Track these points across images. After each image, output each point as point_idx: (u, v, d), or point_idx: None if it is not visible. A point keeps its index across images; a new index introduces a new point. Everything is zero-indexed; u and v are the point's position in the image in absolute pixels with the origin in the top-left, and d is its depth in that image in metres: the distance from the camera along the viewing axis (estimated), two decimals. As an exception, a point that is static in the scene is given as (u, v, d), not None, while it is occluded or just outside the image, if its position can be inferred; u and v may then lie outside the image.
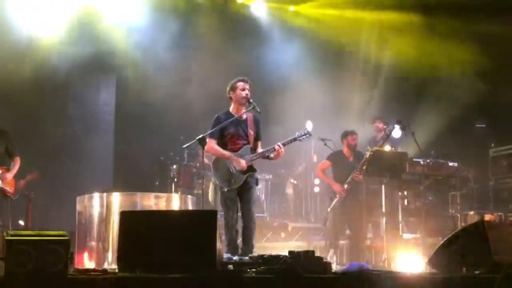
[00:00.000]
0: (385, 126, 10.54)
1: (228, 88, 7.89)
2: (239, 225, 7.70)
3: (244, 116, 7.85)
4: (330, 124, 11.26)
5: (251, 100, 7.72)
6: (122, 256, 5.10)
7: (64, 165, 11.08)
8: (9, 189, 8.72)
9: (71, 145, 11.49)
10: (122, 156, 12.11)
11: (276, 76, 12.44)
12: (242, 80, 7.83)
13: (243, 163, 7.62)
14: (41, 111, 11.04)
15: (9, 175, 8.76)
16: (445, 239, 6.21)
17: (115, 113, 12.47)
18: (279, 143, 7.69)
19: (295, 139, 7.87)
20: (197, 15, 12.35)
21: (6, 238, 4.51)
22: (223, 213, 7.71)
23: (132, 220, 5.34)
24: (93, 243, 7.73)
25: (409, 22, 12.26)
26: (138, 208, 7.75)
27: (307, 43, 12.80)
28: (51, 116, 11.27)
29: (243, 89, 7.76)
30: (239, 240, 7.69)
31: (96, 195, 7.90)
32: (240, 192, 7.69)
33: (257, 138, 7.91)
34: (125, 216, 5.40)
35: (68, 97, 11.87)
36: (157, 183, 11.72)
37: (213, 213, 5.38)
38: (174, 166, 11.38)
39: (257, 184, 7.94)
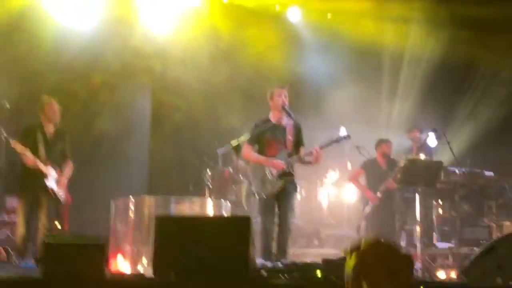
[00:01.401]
0: (421, 135, 10.49)
1: (268, 95, 7.92)
2: (274, 231, 7.70)
3: (284, 123, 7.86)
4: (363, 132, 11.21)
5: (286, 107, 7.74)
6: (156, 261, 5.15)
7: (100, 168, 11.19)
8: (62, 195, 8.61)
9: (107, 148, 11.60)
10: (157, 160, 12.18)
11: (310, 83, 12.43)
12: (281, 87, 7.86)
13: (278, 163, 7.62)
14: (77, 114, 11.14)
15: (63, 179, 8.66)
16: (480, 249, 6.17)
17: (151, 117, 12.55)
18: (316, 146, 7.68)
19: (335, 141, 7.88)
20: (235, 21, 12.38)
21: (45, 241, 4.58)
22: (259, 219, 7.74)
23: (167, 225, 5.40)
24: (128, 247, 7.79)
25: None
26: (172, 212, 7.80)
27: (342, 50, 12.75)
28: (88, 119, 11.37)
29: (280, 95, 7.79)
30: (274, 246, 7.70)
31: (131, 199, 7.97)
32: (278, 198, 7.70)
33: (298, 144, 7.90)
34: (160, 221, 5.46)
35: (105, 100, 11.96)
36: (191, 187, 11.76)
37: (247, 219, 5.42)
38: (208, 171, 11.41)
39: (296, 190, 7.92)
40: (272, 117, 7.91)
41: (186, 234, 5.23)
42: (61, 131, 8.88)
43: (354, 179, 10.53)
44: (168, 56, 11.72)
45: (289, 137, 7.85)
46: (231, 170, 11.16)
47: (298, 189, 11.24)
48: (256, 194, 7.90)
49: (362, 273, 1.19)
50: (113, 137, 11.58)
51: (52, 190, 8.49)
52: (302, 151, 7.86)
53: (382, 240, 1.20)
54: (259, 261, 6.51)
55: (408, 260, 1.25)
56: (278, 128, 7.86)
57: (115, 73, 11.73)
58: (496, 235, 9.90)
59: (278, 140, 7.82)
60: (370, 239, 1.18)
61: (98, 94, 11.69)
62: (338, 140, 7.90)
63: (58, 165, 8.74)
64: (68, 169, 8.83)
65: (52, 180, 8.54)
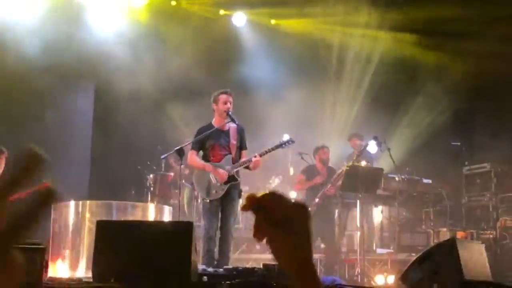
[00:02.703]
0: (362, 143, 10.67)
1: (211, 100, 7.95)
2: (217, 236, 7.73)
3: (227, 127, 7.91)
4: (306, 138, 11.33)
5: (230, 113, 7.78)
6: (97, 266, 5.10)
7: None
8: None
9: (47, 152, 11.35)
10: (98, 165, 12.06)
11: (253, 89, 12.48)
12: (225, 93, 7.90)
13: (222, 174, 7.67)
14: (17, 117, 10.94)
15: None
16: (418, 255, 6.30)
17: (93, 120, 12.40)
18: (256, 154, 7.77)
19: (278, 146, 7.97)
20: (179, 23, 12.34)
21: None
22: (203, 223, 7.75)
23: (107, 230, 5.36)
24: (68, 251, 7.70)
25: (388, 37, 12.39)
26: (114, 217, 7.74)
27: (285, 56, 12.86)
28: (27, 122, 11.17)
29: (225, 102, 7.83)
30: (216, 250, 7.72)
31: (71, 203, 7.88)
32: (222, 203, 7.72)
33: (241, 147, 7.96)
34: (101, 225, 5.41)
35: (44, 103, 11.77)
36: (133, 192, 11.69)
37: (189, 224, 5.42)
38: (151, 176, 11.36)
39: (239, 197, 7.97)
40: (215, 122, 7.94)
41: (128, 239, 5.20)
42: None
43: (298, 186, 10.69)
44: (112, 57, 11.57)
45: (233, 141, 7.89)
46: (173, 174, 11.16)
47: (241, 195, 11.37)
48: (199, 199, 7.91)
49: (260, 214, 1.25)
50: (54, 140, 11.39)
51: None
52: (244, 154, 7.94)
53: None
54: (201, 266, 6.51)
55: (302, 207, 1.30)
56: (222, 133, 7.90)
57: (57, 74, 11.55)
58: (433, 241, 10.13)
59: (221, 145, 7.85)
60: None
61: (39, 97, 11.49)
62: (280, 145, 7.98)
63: None
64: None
65: None
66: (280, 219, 1.25)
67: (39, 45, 10.84)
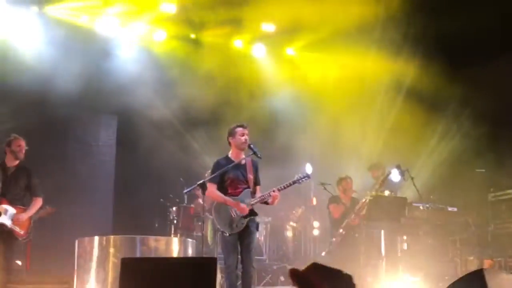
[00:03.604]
0: (381, 172, 10.60)
1: (227, 133, 7.97)
2: (239, 269, 7.70)
3: (243, 161, 7.92)
4: (329, 168, 11.31)
5: (251, 145, 7.79)
6: (122, 304, 5.08)
7: (63, 207, 11.02)
8: (19, 231, 8.43)
9: (71, 186, 11.45)
10: (122, 197, 12.09)
11: (274, 120, 12.51)
12: (241, 126, 7.91)
13: (244, 208, 7.65)
14: (40, 151, 11.01)
15: (24, 216, 8.48)
16: (445, 287, 6.20)
17: (116, 154, 12.46)
18: (274, 189, 7.75)
19: (295, 182, 7.94)
20: (198, 55, 12.44)
21: (8, 285, 4.51)
22: (223, 256, 7.72)
23: (132, 267, 5.34)
24: (92, 287, 7.69)
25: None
26: (138, 252, 7.74)
27: (307, 87, 12.88)
28: (51, 156, 11.24)
29: (242, 135, 7.84)
30: (239, 284, 7.69)
31: (96, 238, 7.88)
32: (240, 236, 7.70)
33: (256, 183, 7.97)
34: (125, 263, 5.39)
35: (68, 137, 11.86)
36: (156, 225, 11.70)
37: (213, 260, 5.37)
38: (174, 208, 11.35)
39: (257, 229, 7.96)
40: (232, 155, 7.96)
41: (152, 276, 5.18)
42: (23, 169, 8.76)
43: (336, 214, 10.57)
44: (134, 90, 11.66)
45: (250, 175, 7.91)
46: (196, 206, 11.16)
47: (264, 226, 11.35)
48: (219, 232, 7.89)
49: None
50: (77, 175, 11.46)
51: (5, 226, 8.35)
52: (258, 189, 7.93)
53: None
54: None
55: (349, 279, 1.28)
56: (239, 167, 7.91)
57: (80, 107, 11.65)
58: (461, 269, 10.00)
59: (240, 179, 7.85)
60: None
61: (63, 130, 11.58)
62: (297, 181, 7.96)
63: (22, 203, 8.61)
64: (34, 205, 8.67)
65: (7, 217, 8.40)
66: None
67: (63, 78, 10.96)
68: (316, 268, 1.20)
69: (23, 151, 8.75)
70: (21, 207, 8.58)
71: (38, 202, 8.74)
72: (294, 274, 1.19)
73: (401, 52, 12.11)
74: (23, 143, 8.76)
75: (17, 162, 8.73)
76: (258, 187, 7.98)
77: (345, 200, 10.31)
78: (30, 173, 8.78)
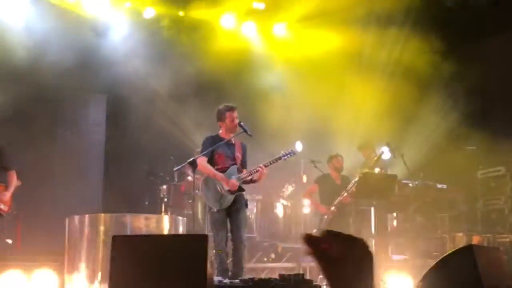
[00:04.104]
0: (372, 151, 10.61)
1: (216, 116, 7.99)
2: (229, 247, 7.73)
3: (233, 141, 7.99)
4: (320, 146, 11.31)
5: (242, 124, 7.81)
6: (113, 281, 5.09)
7: (53, 185, 11.02)
8: (3, 207, 8.37)
9: (61, 165, 11.42)
10: (111, 177, 12.07)
11: (265, 98, 12.47)
12: (230, 109, 7.93)
13: (234, 183, 7.69)
14: (30, 131, 10.97)
15: (7, 194, 8.39)
16: (434, 263, 6.24)
17: (105, 132, 12.41)
18: (261, 165, 7.81)
19: (280, 158, 8.02)
20: (188, 32, 12.37)
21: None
22: (212, 234, 7.75)
23: (123, 245, 5.34)
24: (83, 264, 7.70)
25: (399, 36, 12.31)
26: (128, 230, 7.73)
27: (295, 64, 12.83)
28: (41, 135, 11.20)
29: (232, 120, 7.88)
30: (229, 262, 7.72)
31: (86, 217, 7.87)
32: (229, 213, 7.74)
33: (243, 164, 8.04)
34: (116, 240, 5.40)
35: (57, 116, 11.80)
36: (146, 203, 11.69)
37: (204, 237, 5.39)
38: (164, 186, 11.35)
39: (246, 206, 8.01)
40: (222, 134, 8.01)
41: (143, 254, 5.19)
42: None
43: (307, 194, 10.66)
44: (123, 69, 11.58)
45: (238, 154, 8.01)
46: (186, 184, 11.15)
47: (254, 204, 11.37)
48: (207, 209, 7.95)
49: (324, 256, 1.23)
50: (67, 154, 11.41)
51: None
52: (245, 171, 7.97)
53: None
54: (216, 278, 6.50)
55: (364, 243, 1.30)
56: (228, 145, 7.98)
57: (68, 88, 11.59)
58: (449, 246, 10.08)
59: (228, 155, 7.94)
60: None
61: (51, 111, 11.52)
62: (282, 157, 8.03)
63: (1, 180, 8.51)
64: (11, 180, 8.50)
65: None
66: (340, 258, 1.23)
67: (50, 58, 10.88)
68: (331, 235, 1.21)
69: None
70: (2, 184, 8.49)
71: (13, 176, 8.54)
72: (309, 240, 1.20)
73: (392, 28, 12.08)
74: None
75: None
76: (244, 170, 8.02)
77: (335, 178, 10.31)
78: (1, 151, 8.54)
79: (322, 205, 10.08)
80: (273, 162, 7.98)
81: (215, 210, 7.74)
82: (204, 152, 7.87)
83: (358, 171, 10.01)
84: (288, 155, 8.09)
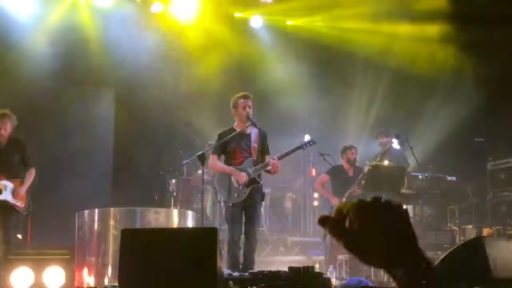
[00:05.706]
0: (388, 139, 10.52)
1: (231, 104, 7.93)
2: (241, 241, 7.71)
3: (248, 131, 7.89)
4: (329, 139, 11.26)
5: (250, 117, 7.76)
6: (123, 274, 5.10)
7: (62, 180, 11.02)
8: (20, 204, 8.36)
9: (70, 160, 11.43)
10: (121, 171, 12.08)
11: (274, 90, 12.45)
12: (244, 97, 7.86)
13: (243, 176, 7.64)
14: (39, 126, 10.98)
15: (23, 189, 8.39)
16: (444, 254, 6.22)
17: (114, 127, 12.42)
18: (275, 157, 7.75)
19: (299, 148, 7.94)
20: (191, 30, 12.38)
21: (8, 257, 4.52)
22: (226, 228, 7.74)
23: (133, 238, 5.35)
24: (93, 259, 7.73)
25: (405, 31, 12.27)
26: (138, 223, 7.77)
27: (306, 56, 12.82)
28: (50, 130, 11.21)
29: (244, 107, 7.80)
30: (241, 254, 7.70)
31: (96, 211, 7.90)
32: (245, 208, 7.70)
33: (263, 152, 7.94)
34: (126, 234, 5.40)
35: (66, 111, 11.81)
36: (156, 197, 11.71)
37: (214, 230, 5.39)
38: (173, 181, 11.37)
39: (263, 200, 7.94)
40: (237, 126, 7.94)
41: (153, 247, 5.19)
42: (15, 141, 8.62)
43: (319, 185, 10.57)
44: (131, 63, 11.61)
45: (254, 144, 7.87)
46: (195, 179, 11.16)
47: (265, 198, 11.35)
48: (222, 203, 7.89)
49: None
50: (76, 148, 11.41)
51: (6, 202, 8.33)
52: (267, 159, 7.89)
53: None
54: (226, 271, 6.49)
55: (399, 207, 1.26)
56: (243, 136, 7.88)
57: (77, 82, 11.61)
58: (459, 238, 10.05)
59: (243, 148, 7.83)
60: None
61: (60, 105, 11.54)
62: (300, 147, 7.97)
63: (18, 176, 8.52)
64: (29, 176, 8.56)
65: (7, 192, 8.35)
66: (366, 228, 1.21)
67: (58, 52, 10.92)
68: (359, 205, 1.18)
69: (8, 126, 8.59)
70: (18, 180, 8.49)
71: (32, 173, 8.62)
72: (325, 221, 1.18)
73: (397, 17, 12.06)
74: (8, 118, 8.60)
75: (6, 137, 8.60)
76: (267, 157, 7.93)
77: (348, 170, 10.19)
78: (23, 145, 8.66)
79: (334, 197, 10.01)
80: (290, 153, 7.86)
81: (231, 204, 7.68)
82: (214, 149, 7.84)
83: (367, 163, 9.94)
84: (308, 144, 8.03)
